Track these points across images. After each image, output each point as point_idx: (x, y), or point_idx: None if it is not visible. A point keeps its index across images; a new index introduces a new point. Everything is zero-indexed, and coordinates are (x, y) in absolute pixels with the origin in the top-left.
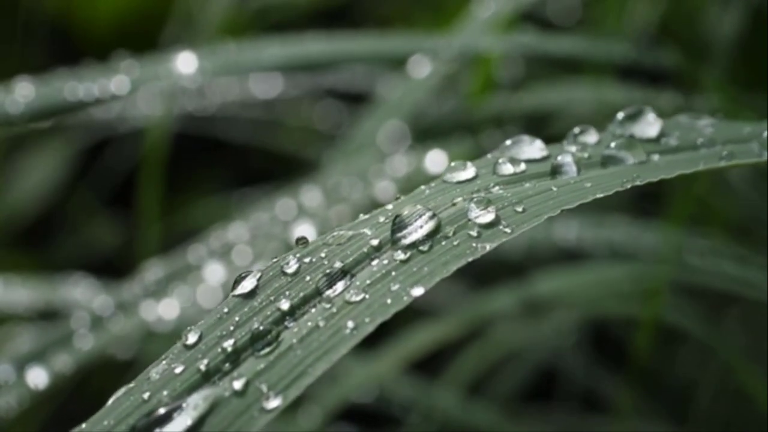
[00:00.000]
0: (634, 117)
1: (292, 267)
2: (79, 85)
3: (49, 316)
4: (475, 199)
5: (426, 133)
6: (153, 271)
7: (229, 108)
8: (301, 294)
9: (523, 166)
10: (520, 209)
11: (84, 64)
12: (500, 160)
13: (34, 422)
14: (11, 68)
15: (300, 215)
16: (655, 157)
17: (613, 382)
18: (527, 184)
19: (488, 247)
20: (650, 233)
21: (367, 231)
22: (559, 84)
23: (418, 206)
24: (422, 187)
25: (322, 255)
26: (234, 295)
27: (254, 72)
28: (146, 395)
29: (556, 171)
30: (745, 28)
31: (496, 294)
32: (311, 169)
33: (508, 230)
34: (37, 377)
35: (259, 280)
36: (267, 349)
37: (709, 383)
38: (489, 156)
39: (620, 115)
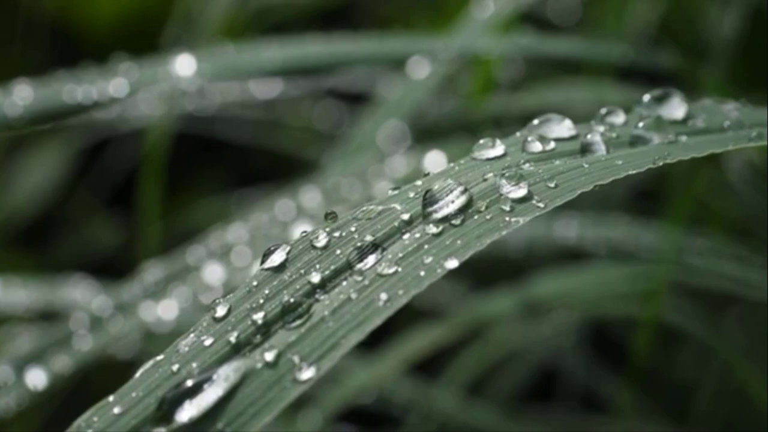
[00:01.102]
0: (660, 99)
1: (321, 241)
2: (77, 88)
3: (49, 316)
4: (506, 175)
5: (425, 133)
6: (152, 271)
7: (229, 108)
8: (332, 267)
9: (552, 144)
10: (552, 185)
11: (83, 66)
12: (529, 138)
13: (34, 422)
14: (11, 69)
15: (299, 216)
16: (683, 138)
17: (613, 382)
18: (557, 162)
19: (521, 221)
20: (650, 233)
21: (397, 206)
22: (558, 85)
23: (449, 181)
24: (451, 164)
25: (352, 229)
26: (263, 269)
27: (253, 76)
28: (175, 367)
29: (585, 149)
30: (744, 28)
31: (496, 294)
32: (311, 170)
33: (541, 205)
34: (36, 378)
35: (288, 253)
36: (298, 322)
37: (709, 383)
38: (518, 134)
39: (647, 97)
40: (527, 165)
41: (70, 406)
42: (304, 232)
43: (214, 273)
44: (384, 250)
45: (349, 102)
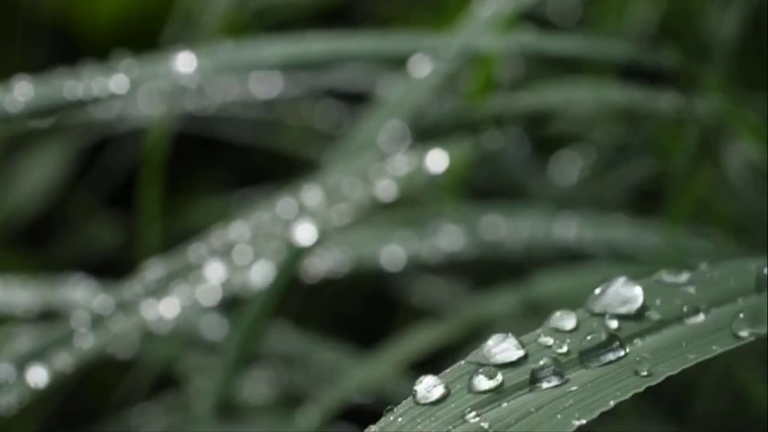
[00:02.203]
0: (608, 288)
1: None
2: (78, 84)
3: (49, 316)
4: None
5: (426, 132)
6: (153, 270)
7: (229, 108)
8: None
9: (500, 378)
10: None
11: (84, 63)
12: (476, 371)
13: (34, 420)
14: (11, 68)
15: (301, 214)
16: (638, 343)
17: None
18: (504, 404)
19: None
20: (650, 233)
21: None
22: (559, 84)
23: None
24: (392, 415)
25: None
26: None
27: (254, 71)
28: None
29: (535, 379)
30: (745, 28)
31: (496, 294)
32: (312, 169)
33: None
34: (38, 376)
35: None
36: None
37: (709, 383)
38: (463, 363)
39: (597, 291)
40: (473, 414)
41: (70, 404)
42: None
43: (215, 271)
44: None
45: (349, 102)
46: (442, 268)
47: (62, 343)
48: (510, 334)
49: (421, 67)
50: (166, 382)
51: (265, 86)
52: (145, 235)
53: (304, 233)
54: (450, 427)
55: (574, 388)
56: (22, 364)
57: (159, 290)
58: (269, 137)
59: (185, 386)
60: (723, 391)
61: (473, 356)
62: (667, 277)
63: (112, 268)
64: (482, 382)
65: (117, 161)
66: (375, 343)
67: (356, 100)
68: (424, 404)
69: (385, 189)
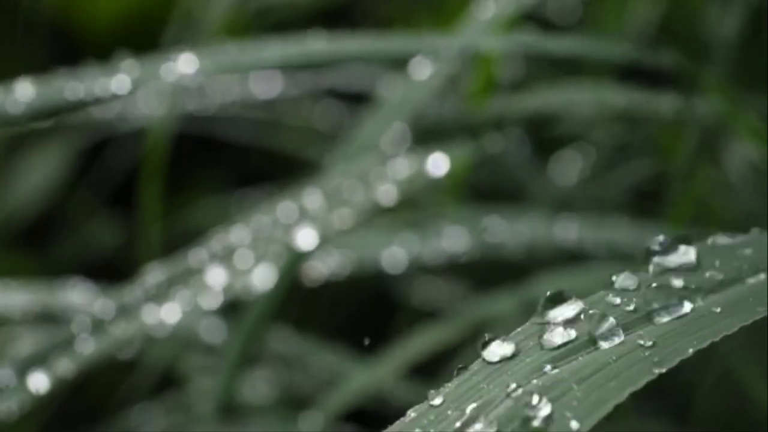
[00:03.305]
0: (668, 248)
1: None
2: (79, 85)
3: (49, 319)
4: (529, 388)
5: (426, 134)
6: (154, 274)
7: (229, 108)
8: None
9: (573, 333)
10: (581, 395)
11: (84, 64)
12: (545, 329)
13: (35, 421)
14: (11, 68)
15: (302, 218)
16: (699, 304)
17: None
18: (580, 357)
19: None
20: (650, 233)
21: None
22: (559, 85)
23: (472, 406)
24: (468, 373)
25: None
26: None
27: (255, 71)
28: None
29: (603, 337)
30: (745, 29)
31: (496, 296)
32: (312, 169)
33: (574, 425)
34: (39, 381)
35: None
36: None
37: (709, 383)
38: (528, 324)
39: (656, 245)
40: (549, 368)
41: (70, 406)
42: None
43: (216, 275)
44: None
45: (349, 102)
46: (443, 270)
47: (63, 348)
48: (574, 296)
49: (422, 69)
50: (167, 382)
51: (265, 86)
52: (146, 235)
53: (305, 238)
54: (530, 379)
55: (647, 342)
56: (23, 369)
57: (160, 295)
58: (269, 137)
59: (186, 387)
60: (723, 391)
61: (538, 317)
62: (722, 240)
63: (112, 269)
64: (553, 339)
65: (117, 161)
66: (376, 345)
67: (356, 100)
68: (496, 362)
69: (386, 192)
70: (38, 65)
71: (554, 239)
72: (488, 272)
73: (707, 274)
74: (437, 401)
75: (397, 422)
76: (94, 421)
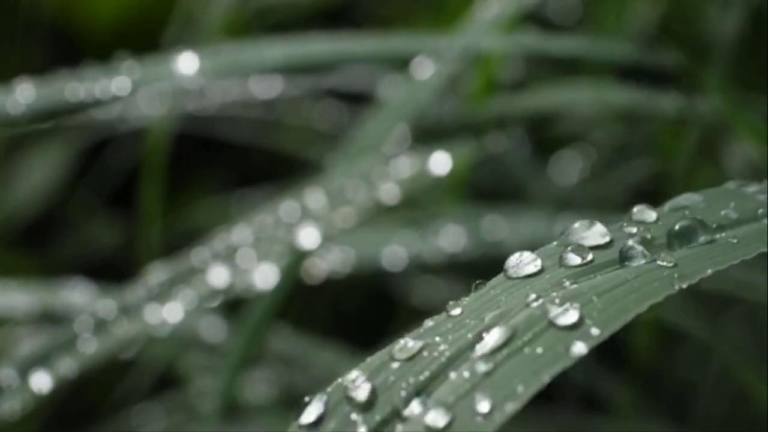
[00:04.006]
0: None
1: (361, 388)
2: (79, 86)
3: (51, 320)
4: (550, 298)
5: (427, 133)
6: (156, 273)
7: (229, 108)
8: (377, 418)
9: (590, 255)
10: (601, 306)
11: (85, 64)
12: (565, 250)
13: (35, 420)
14: (11, 68)
15: (304, 217)
16: (719, 235)
17: (613, 382)
18: (599, 276)
19: (576, 352)
20: None
21: (438, 340)
22: (560, 85)
23: (493, 312)
24: (487, 287)
25: (393, 369)
26: (300, 425)
27: (256, 73)
28: None
29: (624, 258)
30: (745, 28)
31: None
32: (313, 170)
33: (595, 331)
34: (41, 381)
35: (326, 404)
36: None
37: (709, 383)
38: (553, 245)
39: (680, 199)
40: (569, 283)
41: (71, 404)
42: (341, 379)
43: (218, 275)
44: (430, 394)
45: (350, 102)
46: (443, 269)
47: (66, 347)
48: (597, 222)
49: (423, 69)
50: (167, 382)
51: (266, 86)
52: (146, 235)
53: (307, 237)
54: (547, 293)
55: (667, 263)
56: (25, 369)
57: (162, 294)
58: (269, 137)
59: (186, 386)
60: (723, 391)
61: (561, 240)
62: (737, 186)
63: (112, 268)
64: (574, 259)
65: (117, 161)
66: (376, 344)
67: (357, 100)
68: (517, 278)
69: (388, 192)
70: (38, 65)
71: (554, 238)
72: (488, 272)
73: (723, 212)
74: (456, 312)
75: (414, 331)
76: (94, 420)
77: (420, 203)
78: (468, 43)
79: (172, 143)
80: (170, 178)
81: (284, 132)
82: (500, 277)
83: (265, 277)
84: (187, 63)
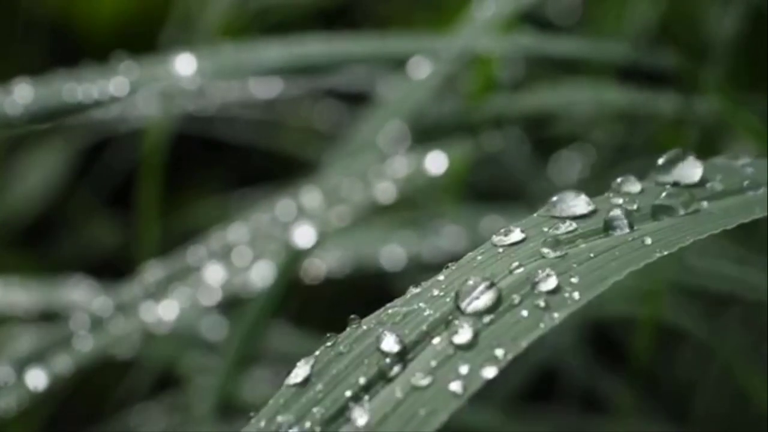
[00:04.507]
0: (674, 161)
1: (347, 349)
2: (78, 87)
3: (49, 317)
4: (534, 265)
5: (425, 133)
6: (153, 272)
7: (229, 108)
8: (362, 380)
9: (573, 225)
10: (582, 272)
11: (83, 65)
12: (550, 221)
13: (34, 422)
14: (11, 68)
15: (300, 216)
16: (704, 204)
17: (613, 382)
18: (583, 245)
19: (557, 317)
20: None
21: (423, 305)
22: (559, 85)
23: (476, 277)
24: (472, 254)
25: (379, 335)
26: (288, 385)
27: (254, 75)
28: None
29: (608, 227)
30: (745, 29)
31: None
32: (311, 170)
33: (576, 296)
34: (37, 378)
35: (312, 367)
36: None
37: (709, 383)
38: (535, 215)
39: (661, 161)
40: (552, 251)
41: (71, 404)
42: (328, 338)
43: (215, 273)
44: (414, 358)
45: (349, 102)
46: (443, 269)
47: (61, 345)
48: (582, 193)
49: (421, 69)
50: (166, 382)
51: (265, 87)
52: (145, 235)
53: (304, 235)
54: (531, 261)
55: (648, 233)
56: (21, 366)
57: (158, 292)
58: (269, 138)
59: (185, 386)
60: (723, 391)
61: (546, 210)
62: (724, 160)
63: (111, 268)
64: (557, 228)
65: (117, 161)
66: None
67: (356, 100)
68: (501, 246)
69: (385, 191)
70: (38, 65)
71: None
72: None
73: (708, 185)
74: (441, 277)
75: (399, 298)
76: (94, 420)
77: (419, 203)
78: (466, 43)
79: (172, 143)
80: (170, 178)
81: (284, 132)
82: (486, 245)
83: (262, 275)
84: (185, 64)
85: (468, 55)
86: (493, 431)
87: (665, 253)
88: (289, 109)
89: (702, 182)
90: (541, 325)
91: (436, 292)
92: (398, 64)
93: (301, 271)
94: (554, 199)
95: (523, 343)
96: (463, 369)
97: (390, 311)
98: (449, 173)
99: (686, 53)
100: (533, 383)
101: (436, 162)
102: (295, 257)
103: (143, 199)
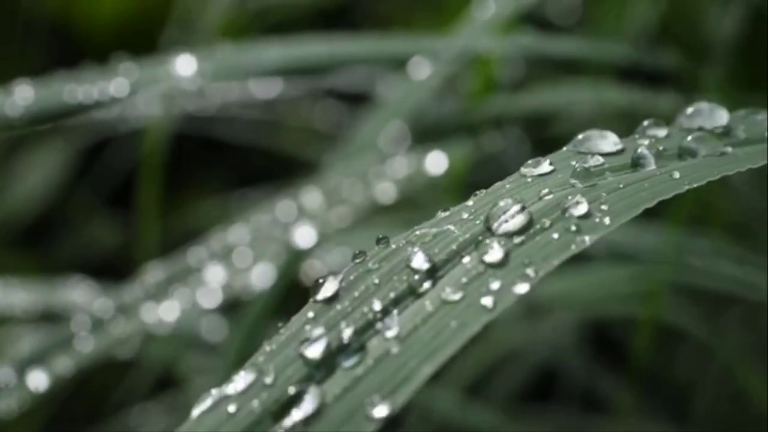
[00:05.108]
0: (700, 111)
1: (376, 267)
2: (78, 88)
3: (49, 318)
4: (563, 193)
5: (426, 133)
6: (153, 273)
7: (229, 108)
8: (391, 295)
9: (601, 160)
10: (612, 200)
11: (83, 66)
12: (579, 156)
13: (35, 422)
14: (11, 69)
15: (300, 217)
16: (729, 149)
17: (613, 382)
18: (611, 177)
19: (587, 240)
20: (650, 233)
21: (452, 228)
22: (559, 85)
23: (507, 200)
24: (500, 183)
25: (408, 254)
26: (316, 301)
27: (254, 75)
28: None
29: (636, 164)
30: (745, 29)
31: None
32: (311, 170)
33: (606, 221)
34: (38, 380)
35: (341, 282)
36: (355, 359)
37: (709, 383)
38: (564, 149)
39: (689, 110)
40: (580, 182)
41: (70, 406)
42: (357, 255)
43: (215, 274)
44: (444, 275)
45: (349, 102)
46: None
47: (62, 346)
48: (608, 131)
49: (421, 69)
50: (166, 382)
51: (265, 87)
52: (145, 235)
53: (304, 236)
54: (560, 189)
55: (676, 168)
56: (22, 367)
57: (159, 294)
58: (269, 138)
59: (185, 386)
60: (723, 391)
61: (575, 145)
62: (747, 113)
63: (111, 268)
64: (587, 161)
65: (117, 161)
66: None
67: (356, 100)
68: (529, 176)
69: (385, 191)
70: (38, 66)
71: None
72: None
73: (732, 133)
74: (470, 203)
75: (431, 220)
76: (94, 420)
77: (419, 203)
78: (466, 43)
79: (172, 144)
80: (170, 178)
81: (284, 132)
82: (514, 175)
83: (262, 276)
84: (185, 64)
85: (468, 56)
86: (493, 431)
87: (694, 185)
88: (289, 109)
89: (726, 131)
90: (573, 247)
91: (465, 216)
92: (398, 64)
93: (300, 272)
94: (580, 137)
95: (555, 262)
96: (495, 285)
97: (418, 232)
98: (449, 173)
99: (686, 53)
100: (533, 383)
101: (437, 162)
102: (295, 258)
103: (143, 199)
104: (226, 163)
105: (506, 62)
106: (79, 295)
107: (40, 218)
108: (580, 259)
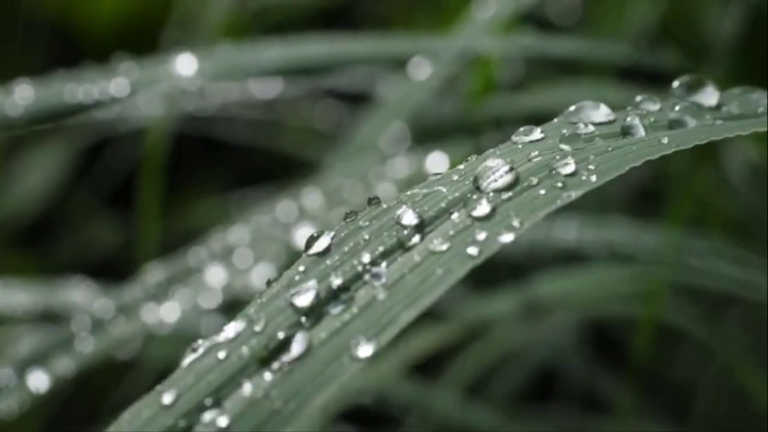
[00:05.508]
0: (692, 87)
1: (367, 223)
2: (78, 88)
3: (50, 318)
4: (552, 155)
5: (426, 134)
6: (154, 273)
7: (229, 108)
8: (380, 248)
9: (591, 128)
10: (600, 160)
11: (83, 65)
12: (570, 126)
13: (35, 422)
14: (11, 69)
15: (301, 217)
16: (720, 122)
17: (613, 382)
18: (600, 142)
19: (573, 195)
20: (650, 233)
21: (443, 188)
22: (559, 85)
23: (496, 161)
24: (492, 149)
25: (399, 212)
26: (308, 255)
27: (254, 76)
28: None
29: (626, 132)
30: (745, 29)
31: (496, 295)
32: (311, 170)
33: (593, 179)
34: (38, 380)
35: (333, 238)
36: (343, 307)
37: (709, 383)
38: (555, 120)
39: (676, 83)
40: (569, 147)
41: (70, 406)
42: (348, 214)
43: (216, 275)
44: (433, 230)
45: (349, 102)
46: None
47: (63, 347)
48: (601, 103)
49: (421, 69)
50: None
51: (265, 87)
52: (145, 235)
53: (304, 236)
54: (549, 152)
55: (665, 136)
56: (22, 368)
57: (159, 294)
58: (269, 138)
59: None
60: (723, 391)
61: (567, 116)
62: (741, 91)
63: (111, 268)
64: (577, 128)
65: (117, 161)
66: None
67: (356, 100)
68: (520, 143)
69: (385, 192)
70: (38, 65)
71: (554, 239)
72: (488, 272)
73: (725, 109)
74: (461, 166)
75: (417, 186)
76: (94, 421)
77: None
78: (466, 43)
79: (172, 144)
80: (170, 178)
81: (284, 132)
82: (506, 143)
83: (263, 276)
84: (185, 64)
85: (468, 56)
86: (492, 431)
87: (681, 148)
88: (289, 109)
89: (719, 106)
90: (558, 201)
91: (455, 177)
92: (398, 64)
93: None
94: (572, 108)
95: (541, 214)
96: (481, 236)
97: (409, 192)
98: None
99: (686, 53)
100: (533, 383)
101: (437, 162)
102: (296, 258)
103: (143, 199)
104: (226, 163)
105: (506, 62)
106: (80, 295)
107: (40, 218)
108: (580, 259)
